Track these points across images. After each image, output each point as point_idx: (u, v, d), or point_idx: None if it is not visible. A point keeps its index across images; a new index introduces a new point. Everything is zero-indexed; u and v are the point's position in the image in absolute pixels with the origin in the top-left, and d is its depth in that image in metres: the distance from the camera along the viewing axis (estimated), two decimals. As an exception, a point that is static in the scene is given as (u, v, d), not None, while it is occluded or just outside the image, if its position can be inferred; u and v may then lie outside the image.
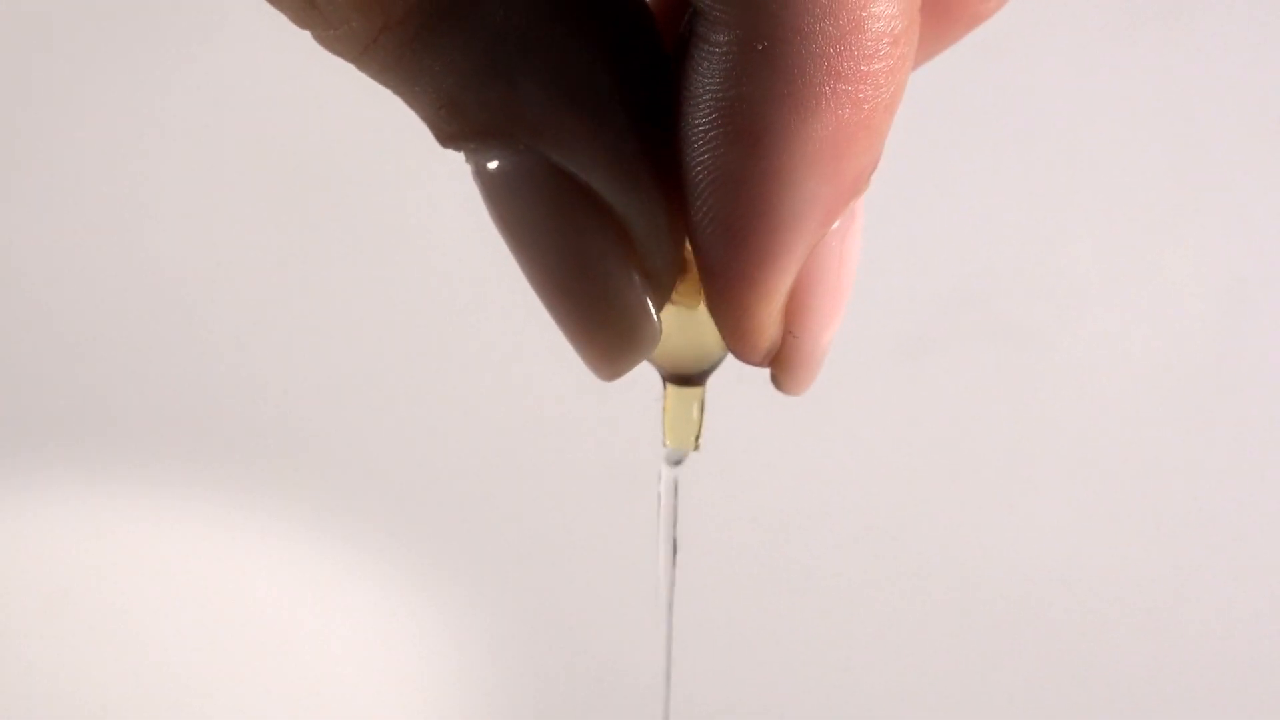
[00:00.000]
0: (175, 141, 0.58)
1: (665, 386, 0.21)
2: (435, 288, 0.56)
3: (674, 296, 0.20)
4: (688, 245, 0.19)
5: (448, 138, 0.18)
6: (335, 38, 0.17)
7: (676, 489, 0.22)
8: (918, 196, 0.54)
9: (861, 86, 0.17)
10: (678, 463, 0.22)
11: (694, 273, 0.19)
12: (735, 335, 0.19)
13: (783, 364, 0.20)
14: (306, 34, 0.17)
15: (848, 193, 0.18)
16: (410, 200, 0.57)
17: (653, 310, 0.19)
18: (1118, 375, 0.55)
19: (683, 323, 0.20)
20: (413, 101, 0.18)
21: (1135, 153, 0.56)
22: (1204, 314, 0.55)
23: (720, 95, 0.17)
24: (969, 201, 0.56)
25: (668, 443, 0.21)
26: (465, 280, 0.56)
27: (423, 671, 0.53)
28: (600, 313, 0.19)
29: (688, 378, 0.21)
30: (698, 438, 0.21)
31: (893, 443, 0.55)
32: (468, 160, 0.18)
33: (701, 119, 0.17)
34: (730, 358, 0.21)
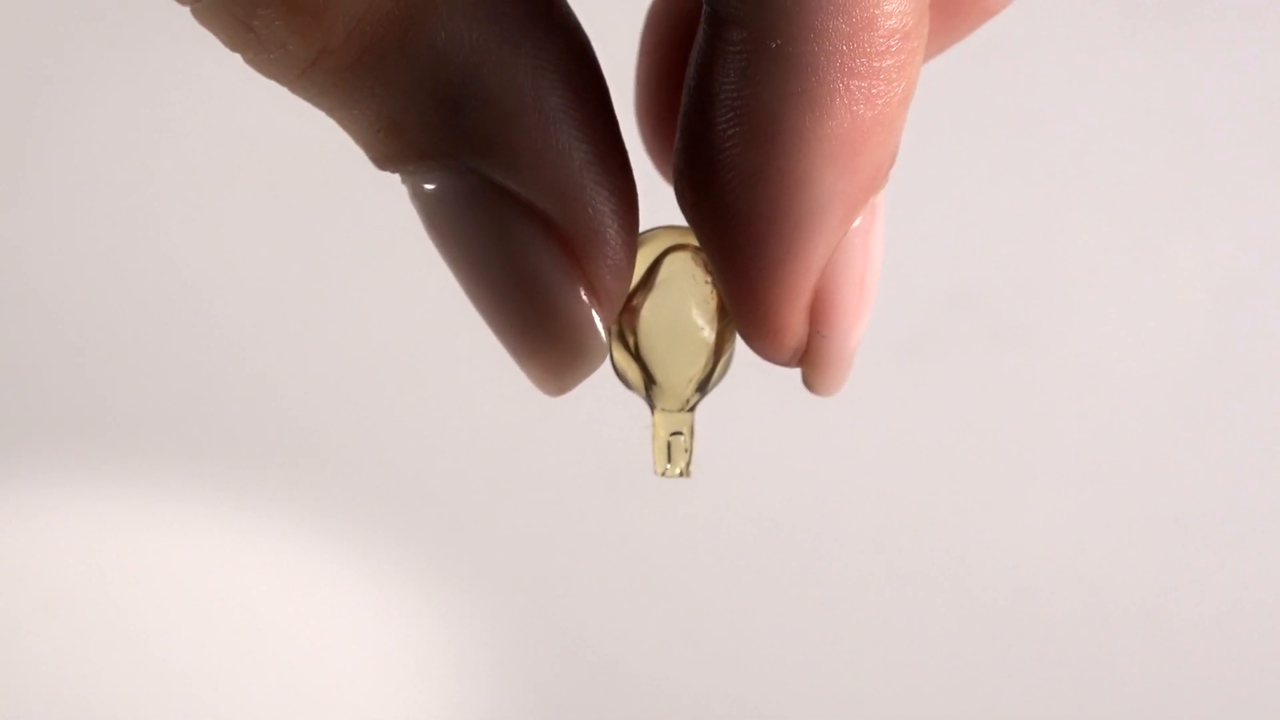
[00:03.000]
0: (180, 140, 0.58)
1: (653, 414, 0.21)
2: (438, 287, 0.56)
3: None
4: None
5: (385, 159, 0.18)
6: (270, 61, 0.17)
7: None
8: (917, 196, 0.54)
9: (875, 82, 0.17)
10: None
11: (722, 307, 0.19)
12: (761, 336, 0.19)
13: (812, 364, 0.20)
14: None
15: (866, 188, 0.18)
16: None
17: (599, 324, 0.19)
18: (1117, 375, 0.55)
19: (673, 350, 0.20)
20: (348, 124, 0.18)
21: (1135, 152, 0.56)
22: (1204, 314, 0.55)
23: (736, 95, 0.17)
24: (969, 201, 0.56)
25: (657, 470, 0.21)
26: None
27: (423, 671, 0.53)
28: (546, 329, 0.18)
29: (677, 405, 0.21)
30: (688, 464, 0.21)
31: (891, 443, 0.55)
32: (404, 182, 0.18)
33: (719, 119, 0.17)
34: (720, 386, 0.21)
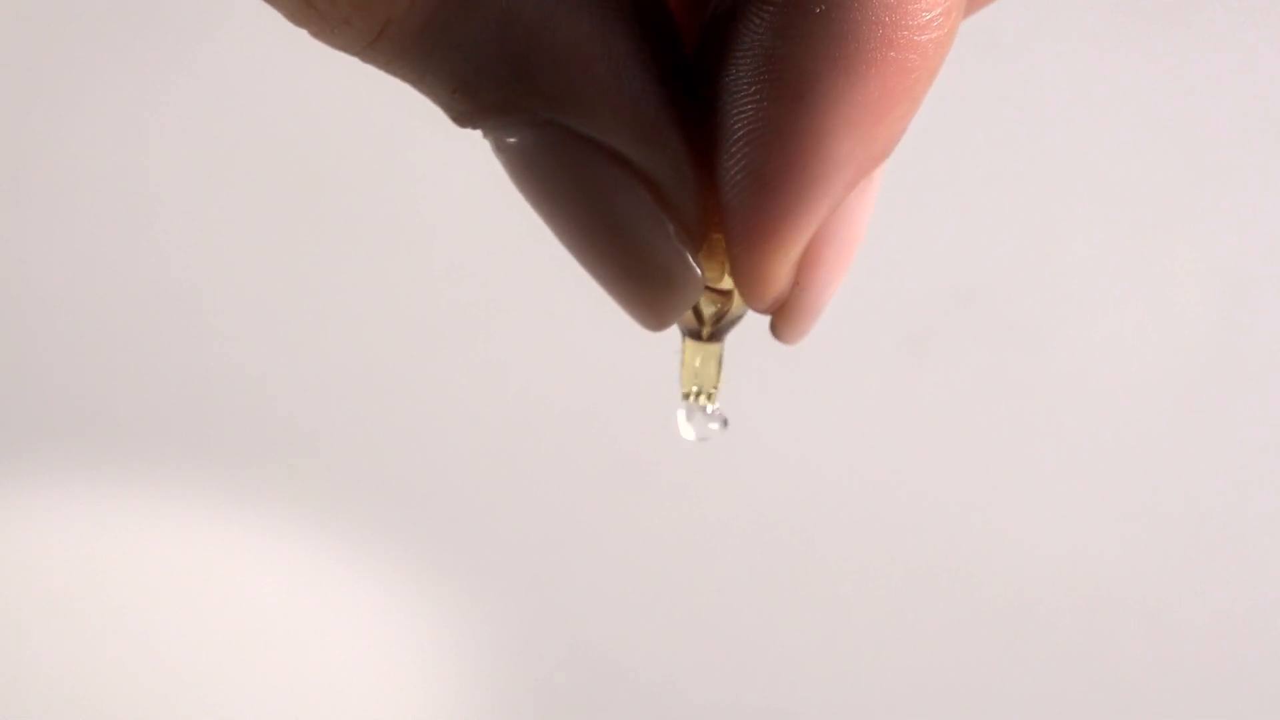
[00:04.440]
0: (179, 140, 0.58)
1: (684, 341, 0.21)
2: (437, 287, 0.56)
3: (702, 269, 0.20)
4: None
5: (462, 117, 0.18)
6: (335, 35, 0.17)
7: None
8: (918, 194, 0.54)
9: (910, 55, 0.17)
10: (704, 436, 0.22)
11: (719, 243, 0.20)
12: (749, 283, 0.19)
13: (786, 314, 0.20)
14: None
15: (877, 157, 0.18)
16: (415, 200, 0.57)
17: (690, 257, 0.19)
18: (1116, 374, 0.55)
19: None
20: (423, 88, 0.18)
21: (1135, 152, 0.56)
22: (1204, 314, 0.55)
23: (770, 51, 0.17)
24: (969, 200, 0.56)
25: (683, 391, 0.22)
26: (467, 279, 0.56)
27: (423, 672, 0.53)
28: (641, 267, 0.19)
29: (707, 333, 0.21)
30: (715, 389, 0.22)
31: (893, 438, 0.55)
32: (485, 136, 0.18)
33: (748, 72, 0.17)
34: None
